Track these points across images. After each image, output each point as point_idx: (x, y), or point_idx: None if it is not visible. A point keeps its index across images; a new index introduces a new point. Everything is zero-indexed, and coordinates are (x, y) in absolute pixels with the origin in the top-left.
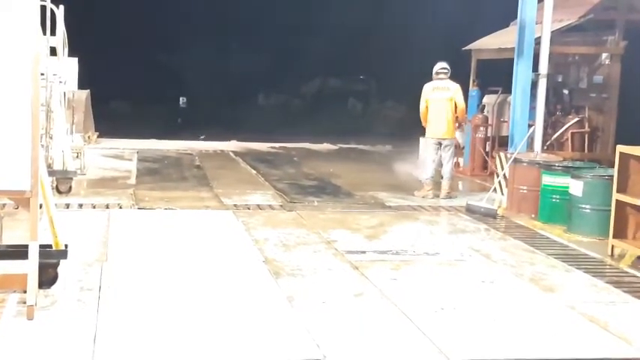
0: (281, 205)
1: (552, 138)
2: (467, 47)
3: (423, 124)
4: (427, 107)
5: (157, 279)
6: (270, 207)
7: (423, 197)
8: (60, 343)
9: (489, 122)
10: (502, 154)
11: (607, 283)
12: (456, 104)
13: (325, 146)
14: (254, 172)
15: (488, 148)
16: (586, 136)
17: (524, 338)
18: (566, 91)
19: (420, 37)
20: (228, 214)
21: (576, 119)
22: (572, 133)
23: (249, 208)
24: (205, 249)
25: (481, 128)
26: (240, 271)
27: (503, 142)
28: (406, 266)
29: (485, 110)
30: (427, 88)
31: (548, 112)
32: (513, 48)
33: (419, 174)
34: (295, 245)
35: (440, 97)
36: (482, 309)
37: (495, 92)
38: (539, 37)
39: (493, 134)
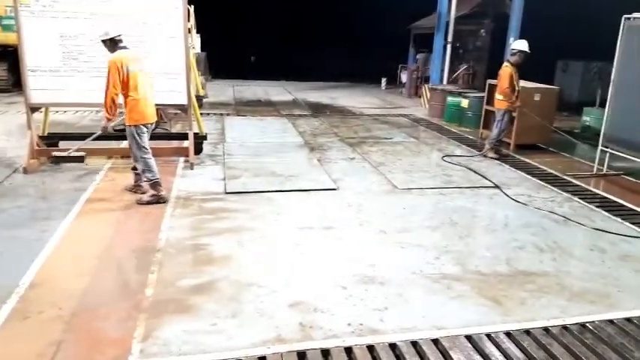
0: (311, 115)
1: (452, 77)
2: (409, 26)
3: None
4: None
5: (248, 145)
6: (305, 116)
7: None
8: (207, 177)
9: (420, 69)
10: (426, 86)
11: (474, 149)
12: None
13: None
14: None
15: (419, 83)
16: (470, 75)
17: (432, 176)
18: (461, 51)
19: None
20: (284, 119)
21: (465, 66)
22: (463, 74)
23: (293, 116)
24: (273, 134)
25: (415, 72)
26: (292, 146)
27: (426, 80)
28: (376, 145)
29: (417, 62)
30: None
31: (451, 63)
32: (434, 26)
33: None
34: (319, 134)
35: None
36: (413, 164)
37: (423, 52)
38: (449, 21)
39: (421, 75)
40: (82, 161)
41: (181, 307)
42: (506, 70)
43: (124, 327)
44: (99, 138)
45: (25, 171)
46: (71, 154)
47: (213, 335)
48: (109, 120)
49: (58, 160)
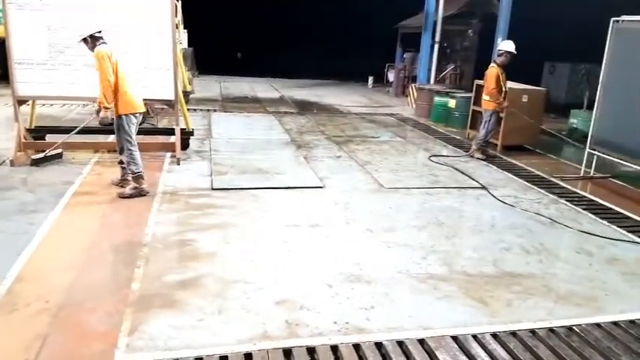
0: (297, 112)
1: (440, 76)
2: (396, 26)
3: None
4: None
5: (235, 141)
6: (292, 113)
7: None
8: (194, 173)
9: (407, 68)
10: (413, 85)
11: (461, 150)
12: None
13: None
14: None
15: (406, 82)
16: (458, 75)
17: (418, 176)
18: (448, 51)
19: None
20: (270, 116)
21: (453, 66)
22: (450, 74)
23: (280, 113)
24: (260, 131)
25: (402, 71)
26: (279, 143)
27: (413, 79)
28: (363, 144)
29: (405, 61)
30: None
31: (438, 62)
32: (421, 26)
33: None
34: (306, 132)
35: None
36: (399, 164)
37: (411, 51)
38: (436, 20)
39: (408, 74)
40: (61, 157)
41: (167, 302)
42: (492, 70)
43: (110, 321)
44: (84, 132)
45: (12, 164)
46: (48, 155)
47: (199, 331)
48: (107, 109)
49: (38, 162)
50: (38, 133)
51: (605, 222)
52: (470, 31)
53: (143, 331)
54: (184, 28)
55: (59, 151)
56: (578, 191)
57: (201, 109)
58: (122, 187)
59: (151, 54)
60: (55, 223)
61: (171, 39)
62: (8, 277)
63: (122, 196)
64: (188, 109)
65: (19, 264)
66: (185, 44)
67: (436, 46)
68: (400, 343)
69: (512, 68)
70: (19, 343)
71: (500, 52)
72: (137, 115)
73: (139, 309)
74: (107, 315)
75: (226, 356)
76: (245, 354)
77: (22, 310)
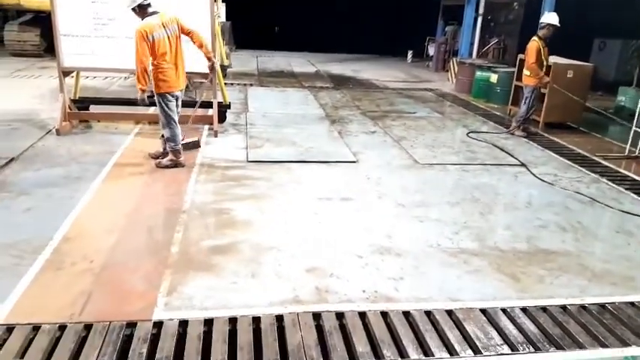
0: (333, 87)
1: (482, 50)
2: None
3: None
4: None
5: (270, 115)
6: (327, 88)
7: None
8: (230, 144)
9: (448, 42)
10: (454, 60)
11: (501, 127)
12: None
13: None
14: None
15: (447, 56)
16: (501, 50)
17: (455, 152)
18: (492, 24)
19: None
20: (306, 91)
21: (496, 40)
22: (493, 48)
23: (315, 88)
24: (295, 106)
25: (443, 45)
26: (313, 118)
27: (455, 54)
28: (398, 119)
29: (446, 34)
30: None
31: (481, 36)
32: None
33: None
34: (341, 107)
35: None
36: (435, 140)
37: (453, 24)
38: None
39: (449, 48)
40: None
41: (204, 265)
42: (533, 44)
43: (150, 281)
44: (126, 103)
45: (58, 133)
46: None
47: (233, 293)
48: (143, 91)
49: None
50: (82, 103)
51: None
52: (515, 3)
53: (181, 291)
54: (222, 2)
55: (196, 139)
56: (622, 171)
57: (238, 84)
58: (160, 158)
59: (190, 27)
60: (99, 190)
61: (210, 12)
62: (55, 238)
63: (159, 166)
64: (225, 84)
65: (65, 226)
66: (223, 18)
67: (479, 19)
68: (428, 313)
69: (560, 44)
70: (66, 298)
71: (543, 24)
72: (175, 93)
73: (177, 271)
74: (147, 275)
75: (259, 317)
76: (276, 316)
77: (68, 269)
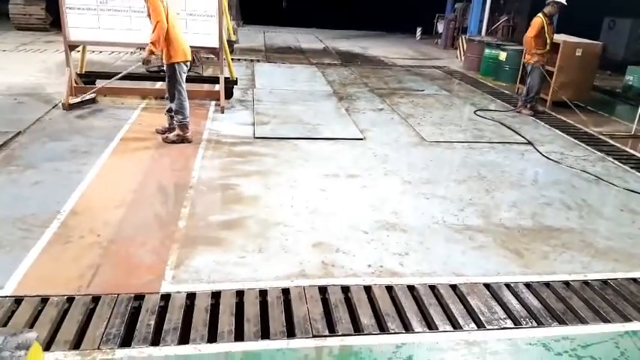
0: (341, 64)
1: (492, 28)
2: None
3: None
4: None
5: (277, 92)
6: (335, 65)
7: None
8: (237, 121)
9: (457, 19)
10: (463, 37)
11: (509, 105)
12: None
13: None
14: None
15: (456, 33)
16: (510, 27)
17: (462, 130)
18: (502, 2)
19: None
20: (313, 68)
21: (505, 18)
22: (503, 26)
23: (323, 65)
24: (303, 82)
25: (452, 22)
26: (321, 95)
27: (464, 31)
28: (406, 97)
29: (456, 11)
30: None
31: (491, 13)
32: None
33: None
34: (348, 84)
35: None
36: (443, 117)
37: (462, 1)
38: None
39: (458, 26)
40: (95, 102)
41: (211, 239)
42: (537, 20)
43: (157, 255)
44: (132, 78)
45: (64, 107)
46: (84, 99)
47: (240, 267)
48: (152, 53)
49: (72, 107)
50: (88, 77)
51: None
52: None
53: (188, 265)
54: None
55: (93, 96)
56: (628, 150)
57: (245, 59)
58: (167, 133)
59: (197, 1)
60: (106, 164)
61: None
62: (62, 211)
63: (166, 141)
64: (232, 59)
65: (73, 200)
66: None
67: None
68: (432, 288)
69: (570, 23)
70: (74, 271)
71: (549, 1)
72: (187, 63)
73: (184, 245)
74: (154, 249)
75: (265, 290)
76: (283, 289)
77: (76, 242)
